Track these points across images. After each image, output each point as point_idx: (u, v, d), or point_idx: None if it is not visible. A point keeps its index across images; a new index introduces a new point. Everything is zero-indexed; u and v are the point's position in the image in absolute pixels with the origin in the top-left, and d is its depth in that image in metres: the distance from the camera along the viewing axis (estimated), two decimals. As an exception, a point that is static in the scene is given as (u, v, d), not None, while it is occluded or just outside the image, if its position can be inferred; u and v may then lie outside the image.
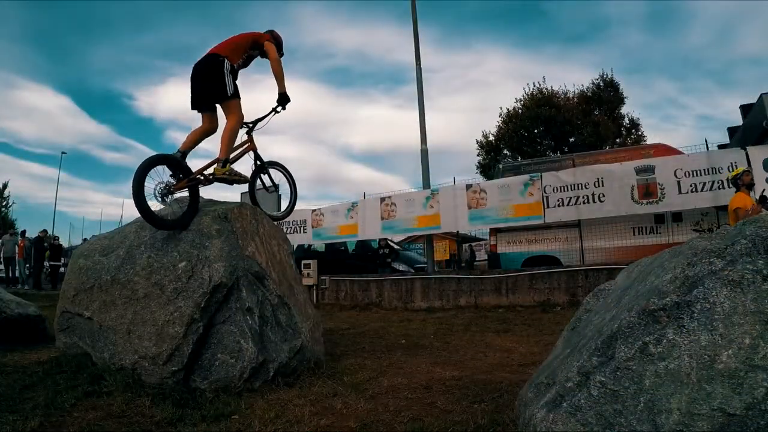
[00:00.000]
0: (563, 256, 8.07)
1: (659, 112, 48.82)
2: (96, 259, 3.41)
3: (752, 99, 8.63)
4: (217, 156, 3.47)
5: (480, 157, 22.88)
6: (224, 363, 2.84)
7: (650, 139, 21.63)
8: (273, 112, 3.76)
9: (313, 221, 10.80)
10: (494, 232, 8.82)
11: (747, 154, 6.70)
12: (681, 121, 53.08)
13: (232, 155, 3.58)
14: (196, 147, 3.51)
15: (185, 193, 3.35)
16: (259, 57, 3.78)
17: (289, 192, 4.32)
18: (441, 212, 8.90)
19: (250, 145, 3.81)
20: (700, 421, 1.30)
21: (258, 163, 3.93)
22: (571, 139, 20.39)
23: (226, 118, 3.51)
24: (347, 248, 11.80)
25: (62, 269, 13.09)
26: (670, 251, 1.91)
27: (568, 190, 7.78)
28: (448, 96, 69.78)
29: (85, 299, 3.28)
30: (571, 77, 71.41)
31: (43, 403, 2.48)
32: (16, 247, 12.97)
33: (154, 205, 3.09)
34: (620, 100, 21.32)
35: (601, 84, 21.33)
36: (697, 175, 6.98)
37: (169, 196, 3.17)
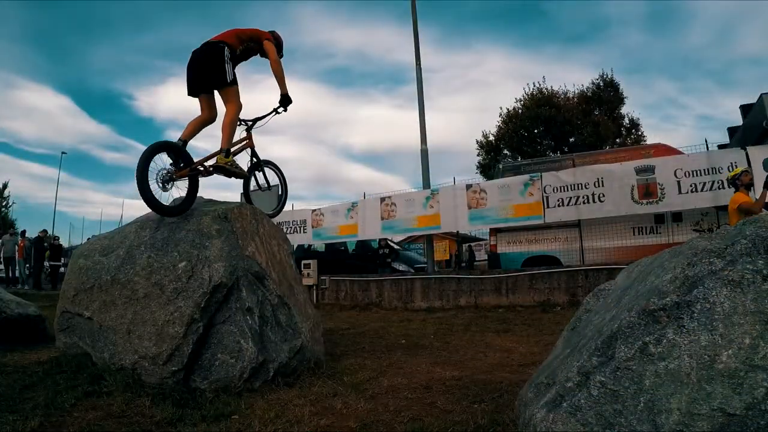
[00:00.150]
0: (563, 256, 8.07)
1: (659, 112, 48.88)
2: (96, 259, 3.41)
3: (752, 99, 8.64)
4: (220, 147, 3.47)
5: (480, 157, 22.91)
6: (224, 363, 2.84)
7: (650, 139, 21.68)
8: (274, 113, 3.77)
9: (313, 221, 10.80)
10: (494, 232, 8.82)
11: (747, 154, 6.70)
12: (681, 121, 53.13)
13: (231, 149, 3.58)
14: (195, 136, 3.51)
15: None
16: (258, 56, 3.78)
17: (280, 191, 4.34)
18: (441, 212, 8.90)
19: (249, 142, 3.83)
20: (700, 421, 1.30)
21: (254, 160, 3.95)
22: (571, 139, 20.40)
23: (226, 106, 3.50)
24: (347, 248, 11.80)
25: (62, 269, 13.09)
26: (670, 251, 1.91)
27: (568, 190, 7.78)
28: (448, 96, 69.83)
29: (85, 299, 3.28)
30: (571, 77, 71.50)
31: (43, 403, 2.48)
32: (16, 247, 12.97)
33: (156, 191, 3.11)
34: (620, 100, 21.33)
35: (601, 84, 21.34)
36: (697, 175, 6.99)
37: (171, 184, 3.19)
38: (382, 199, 9.78)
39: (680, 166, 7.13)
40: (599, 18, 56.60)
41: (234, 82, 3.45)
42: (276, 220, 4.37)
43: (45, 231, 14.76)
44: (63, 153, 55.76)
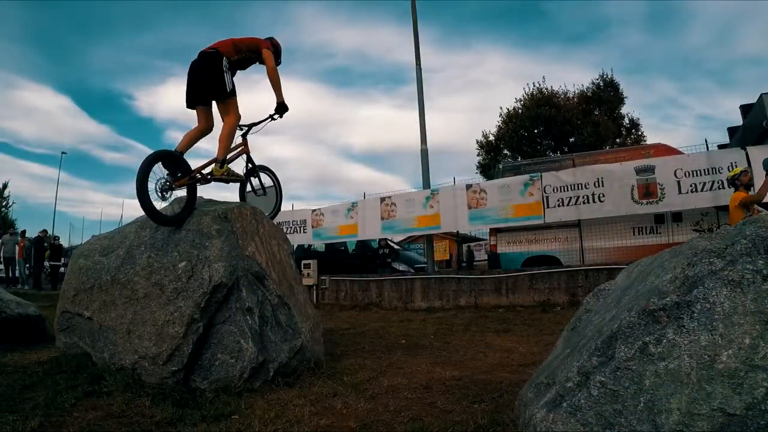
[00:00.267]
0: (563, 256, 8.07)
1: (659, 112, 48.83)
2: (96, 259, 3.41)
3: (752, 99, 8.64)
4: (215, 156, 3.49)
5: (480, 157, 22.90)
6: (224, 363, 2.84)
7: (650, 139, 21.66)
8: (269, 119, 3.79)
9: (313, 221, 10.80)
10: (494, 232, 8.82)
11: (747, 154, 6.70)
12: (681, 121, 53.08)
13: (227, 156, 3.60)
14: (192, 147, 3.52)
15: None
16: (257, 63, 3.79)
17: (275, 196, 4.36)
18: (441, 212, 8.90)
19: (244, 148, 3.85)
20: (700, 421, 1.30)
21: (249, 165, 3.97)
22: (571, 139, 20.39)
23: (225, 117, 3.51)
24: (347, 248, 11.80)
25: (62, 269, 13.09)
26: (670, 251, 1.91)
27: (568, 190, 7.78)
28: (448, 96, 69.79)
29: (85, 299, 3.28)
30: (571, 77, 71.47)
31: (43, 403, 2.48)
32: (17, 247, 12.97)
33: (155, 201, 3.11)
34: (620, 100, 21.32)
35: (601, 84, 21.33)
36: (697, 175, 6.98)
37: (169, 192, 3.19)
38: (382, 199, 9.78)
39: (680, 166, 7.13)
40: (599, 18, 56.61)
41: (233, 92, 3.47)
42: (276, 220, 4.38)
43: (45, 231, 14.76)
44: (63, 153, 55.56)
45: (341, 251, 11.76)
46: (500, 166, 9.85)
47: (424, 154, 9.51)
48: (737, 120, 10.58)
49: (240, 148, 3.81)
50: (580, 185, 7.68)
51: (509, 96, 62.14)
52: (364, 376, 3.22)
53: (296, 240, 10.76)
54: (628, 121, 21.36)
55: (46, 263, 13.82)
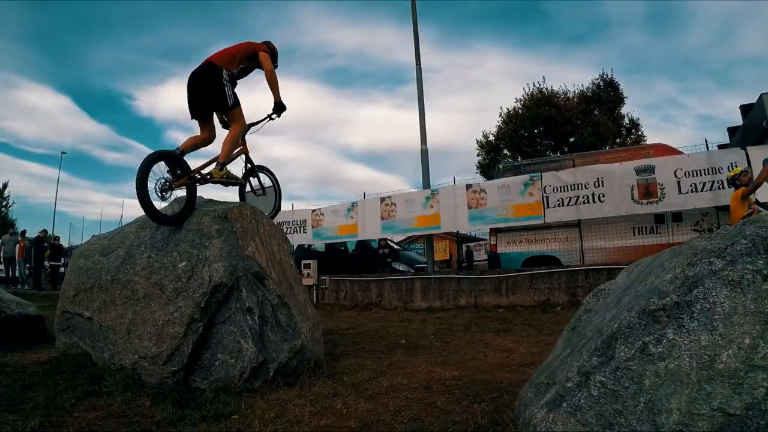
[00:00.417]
0: (563, 256, 8.07)
1: (659, 112, 48.87)
2: (96, 259, 3.41)
3: (752, 99, 8.65)
4: (216, 156, 3.50)
5: (480, 157, 22.91)
6: (224, 363, 2.84)
7: (650, 139, 21.68)
8: (267, 119, 3.82)
9: (313, 221, 10.80)
10: (494, 232, 8.82)
11: (747, 154, 6.70)
12: (681, 121, 53.10)
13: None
14: (193, 151, 3.55)
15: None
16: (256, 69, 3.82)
17: (275, 196, 4.37)
18: (441, 212, 8.91)
19: (243, 149, 3.87)
20: (700, 421, 1.30)
21: (248, 166, 4.00)
22: (571, 139, 20.40)
23: (230, 125, 3.59)
24: (347, 248, 11.80)
25: (62, 269, 13.09)
26: (670, 251, 1.91)
27: (568, 190, 7.78)
28: (448, 96, 69.81)
29: (85, 299, 3.28)
30: (571, 77, 71.47)
31: (43, 403, 2.48)
32: (17, 247, 12.96)
33: (155, 201, 3.12)
34: (620, 100, 21.33)
35: (601, 84, 21.34)
36: (697, 175, 6.99)
37: (169, 192, 3.20)
38: (382, 199, 9.78)
39: (680, 166, 7.13)
40: (599, 18, 56.64)
41: (236, 104, 3.52)
42: (276, 220, 4.39)
43: (45, 231, 14.75)
44: (63, 153, 55.68)
45: (341, 251, 11.76)
46: (500, 166, 9.85)
47: (424, 154, 9.51)
48: (737, 120, 10.59)
49: (239, 149, 3.83)
50: (580, 185, 7.68)
51: (509, 96, 62.20)
52: (364, 376, 3.22)
53: (296, 240, 10.76)
54: (628, 121, 21.37)
55: (46, 263, 13.81)
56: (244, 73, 3.74)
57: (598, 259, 7.71)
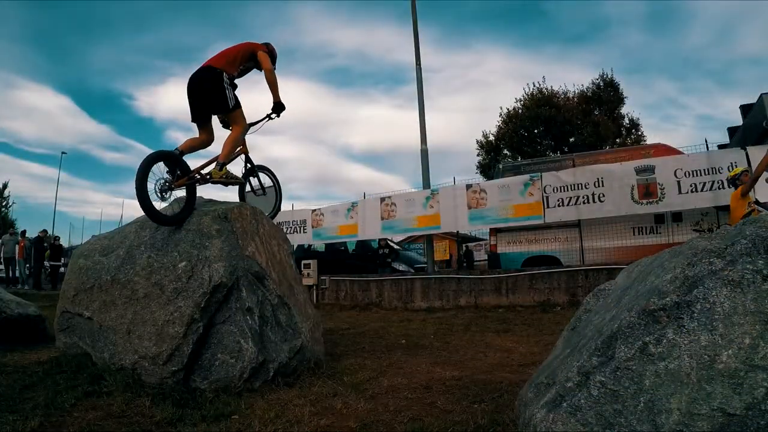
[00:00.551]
0: (563, 256, 8.07)
1: (659, 112, 48.87)
2: (96, 259, 3.41)
3: (752, 99, 8.65)
4: (216, 157, 3.51)
5: (480, 157, 22.92)
6: (224, 363, 2.84)
7: (650, 139, 21.69)
8: (267, 118, 3.83)
9: (313, 221, 10.80)
10: (494, 232, 8.82)
11: (747, 154, 6.70)
12: (681, 121, 53.10)
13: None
14: (192, 152, 3.55)
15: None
16: (255, 69, 3.82)
17: (275, 196, 4.38)
18: (441, 212, 8.90)
19: (242, 149, 3.88)
20: (700, 421, 1.30)
21: (248, 165, 4.00)
22: (571, 139, 20.40)
23: (232, 127, 3.60)
24: (347, 248, 11.80)
25: (62, 269, 13.09)
26: (670, 251, 1.91)
27: (568, 190, 7.78)
28: (448, 96, 69.80)
29: (85, 299, 3.28)
30: (571, 77, 71.48)
31: (43, 403, 2.48)
32: (17, 247, 12.96)
33: (155, 201, 3.12)
34: (620, 100, 21.34)
35: (601, 84, 21.34)
36: (697, 175, 6.98)
37: (169, 193, 3.20)
38: (382, 199, 9.78)
39: (680, 166, 7.13)
40: (599, 18, 56.63)
41: (237, 105, 3.53)
42: (276, 220, 4.39)
43: (45, 231, 14.76)
44: (63, 153, 55.70)
45: (341, 251, 11.76)
46: (500, 166, 9.85)
47: (424, 154, 9.51)
48: (737, 120, 10.59)
49: (239, 149, 3.83)
50: (580, 185, 7.68)
51: (509, 96, 62.19)
52: (364, 376, 3.22)
53: (296, 240, 10.76)
54: (628, 121, 21.37)
55: (46, 263, 13.82)
56: (243, 73, 3.75)
57: (598, 259, 7.71)
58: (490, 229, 8.92)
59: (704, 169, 6.96)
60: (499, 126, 22.23)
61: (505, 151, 21.83)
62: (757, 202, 5.38)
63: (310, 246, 11.48)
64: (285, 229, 10.27)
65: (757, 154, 6.63)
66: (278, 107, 3.72)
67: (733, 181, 5.51)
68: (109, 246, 3.47)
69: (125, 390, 2.66)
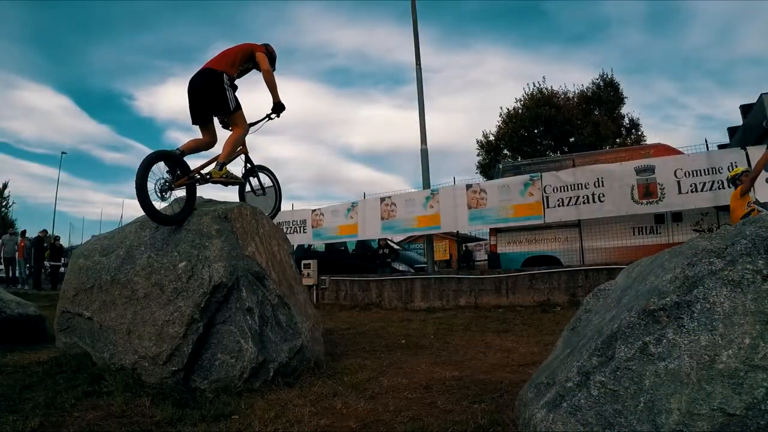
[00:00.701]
0: (563, 256, 8.07)
1: (659, 112, 48.87)
2: (96, 259, 3.41)
3: (752, 99, 8.64)
4: (216, 157, 3.52)
5: (480, 157, 22.91)
6: (224, 363, 2.84)
7: (650, 139, 21.67)
8: (267, 118, 3.84)
9: (313, 221, 10.80)
10: (494, 232, 8.82)
11: (747, 154, 6.70)
12: (681, 121, 53.08)
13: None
14: (193, 153, 3.56)
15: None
16: (254, 70, 3.83)
17: (275, 196, 4.38)
18: (441, 212, 8.90)
19: (242, 149, 3.88)
20: (700, 421, 1.30)
21: (248, 165, 4.01)
22: (571, 139, 20.41)
23: (233, 128, 3.62)
24: (347, 248, 11.80)
25: (62, 269, 13.09)
26: (670, 251, 1.91)
27: (568, 190, 7.78)
28: (448, 96, 69.81)
29: (85, 299, 3.28)
30: (571, 77, 71.49)
31: (43, 403, 2.48)
32: (17, 247, 12.96)
33: (155, 201, 3.13)
34: (620, 100, 21.33)
35: (601, 84, 21.33)
36: (697, 175, 6.98)
37: (169, 192, 3.20)
38: (382, 199, 9.78)
39: (680, 166, 7.13)
40: (599, 18, 56.62)
41: (237, 107, 3.54)
42: (276, 220, 4.39)
43: (45, 231, 14.76)
44: (63, 153, 55.75)
45: (341, 251, 11.76)
46: (500, 166, 9.84)
47: (424, 154, 9.51)
48: (737, 120, 10.57)
49: (239, 149, 3.83)
50: (580, 185, 7.68)
51: (509, 96, 62.18)
52: (364, 376, 3.22)
53: (296, 240, 10.76)
54: (628, 121, 21.37)
55: (46, 263, 13.82)
56: (242, 74, 3.77)
57: (598, 259, 7.71)
58: (490, 229, 8.92)
59: (704, 169, 6.95)
60: (499, 126, 22.24)
61: (505, 151, 21.82)
62: (757, 202, 5.38)
63: (310, 246, 11.48)
64: (285, 229, 10.27)
65: (757, 154, 6.62)
66: (278, 107, 3.73)
67: (734, 181, 5.52)
68: (109, 246, 3.47)
69: (125, 390, 2.66)
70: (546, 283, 7.55)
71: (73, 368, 3.06)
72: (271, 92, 3.67)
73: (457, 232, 12.15)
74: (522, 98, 21.75)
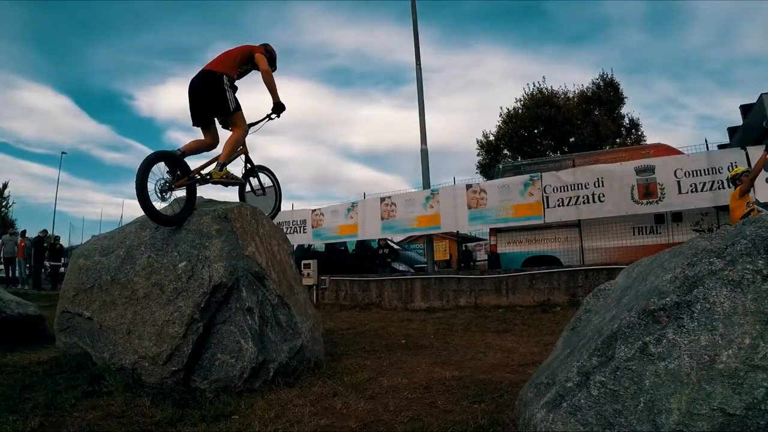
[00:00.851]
0: (563, 256, 8.07)
1: (659, 112, 48.85)
2: (96, 259, 3.41)
3: (752, 99, 8.64)
4: (216, 157, 3.52)
5: (480, 157, 22.91)
6: (224, 363, 2.84)
7: (650, 139, 21.67)
8: (267, 119, 3.84)
9: (313, 221, 10.80)
10: (494, 232, 8.82)
11: (747, 154, 6.70)
12: (681, 121, 53.06)
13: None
14: (194, 154, 3.56)
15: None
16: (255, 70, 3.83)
17: (275, 196, 4.38)
18: (441, 212, 8.90)
19: (242, 149, 3.89)
20: (700, 421, 1.30)
21: (248, 166, 4.01)
22: (571, 139, 20.41)
23: (233, 129, 3.62)
24: (347, 248, 11.80)
25: (62, 269, 13.08)
26: (670, 251, 1.91)
27: (568, 190, 7.78)
28: (448, 96, 69.80)
29: (85, 299, 3.28)
30: (571, 77, 71.44)
31: (43, 403, 2.49)
32: (17, 247, 12.96)
33: (155, 201, 3.13)
34: (620, 100, 21.32)
35: (601, 84, 21.33)
36: (697, 175, 6.98)
37: (169, 193, 3.21)
38: (382, 199, 9.78)
39: (680, 166, 7.13)
40: (599, 18, 56.62)
41: (237, 108, 3.55)
42: (276, 220, 4.39)
43: (45, 231, 14.76)
44: (63, 153, 55.67)
45: (341, 251, 11.76)
46: (500, 166, 9.84)
47: (424, 154, 9.51)
48: (737, 120, 10.57)
49: (239, 149, 3.84)
50: (580, 185, 7.68)
51: (509, 96, 62.17)
52: (364, 376, 3.22)
53: (296, 240, 10.76)
54: (628, 121, 21.36)
55: (46, 263, 13.81)
56: (242, 74, 3.77)
57: (598, 259, 7.71)
58: (490, 229, 8.92)
59: (704, 169, 6.95)
60: (499, 126, 22.24)
61: (505, 151, 21.82)
62: (756, 202, 5.39)
63: (310, 246, 11.48)
64: (285, 229, 10.27)
65: (756, 154, 6.62)
66: (278, 107, 3.73)
67: (734, 181, 5.52)
68: (109, 246, 3.47)
69: (125, 390, 2.66)
70: (546, 283, 7.55)
71: (73, 368, 3.06)
72: (270, 92, 3.68)
73: (457, 232, 12.15)
74: (522, 98, 21.77)
